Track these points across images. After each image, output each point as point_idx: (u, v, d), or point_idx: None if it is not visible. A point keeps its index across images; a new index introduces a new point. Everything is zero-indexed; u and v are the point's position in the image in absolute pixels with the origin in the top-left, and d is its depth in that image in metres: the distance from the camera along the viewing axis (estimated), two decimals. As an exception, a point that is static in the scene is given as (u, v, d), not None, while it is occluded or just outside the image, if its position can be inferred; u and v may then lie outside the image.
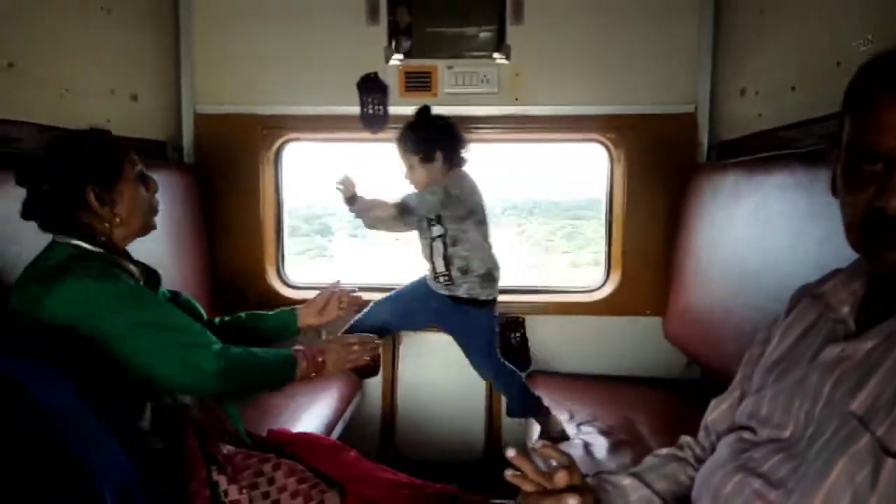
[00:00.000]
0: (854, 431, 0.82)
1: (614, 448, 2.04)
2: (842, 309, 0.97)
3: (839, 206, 0.91)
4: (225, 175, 2.59)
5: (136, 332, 1.35)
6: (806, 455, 0.89)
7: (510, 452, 0.96)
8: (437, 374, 2.69)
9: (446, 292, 2.23)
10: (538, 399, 2.25)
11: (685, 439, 1.24)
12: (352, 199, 2.19)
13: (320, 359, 1.60)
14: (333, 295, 1.92)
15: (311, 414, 2.24)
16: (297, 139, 2.73)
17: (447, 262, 2.19)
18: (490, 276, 2.21)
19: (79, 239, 1.43)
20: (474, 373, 2.43)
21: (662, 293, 2.56)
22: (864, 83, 0.87)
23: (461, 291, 2.20)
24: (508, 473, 0.94)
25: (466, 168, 2.24)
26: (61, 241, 1.43)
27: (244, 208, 2.65)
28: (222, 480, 1.45)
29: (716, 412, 1.20)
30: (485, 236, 2.21)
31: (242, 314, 1.89)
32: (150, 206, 1.57)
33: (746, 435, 1.03)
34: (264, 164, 2.64)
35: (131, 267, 1.48)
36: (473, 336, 2.27)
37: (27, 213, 1.44)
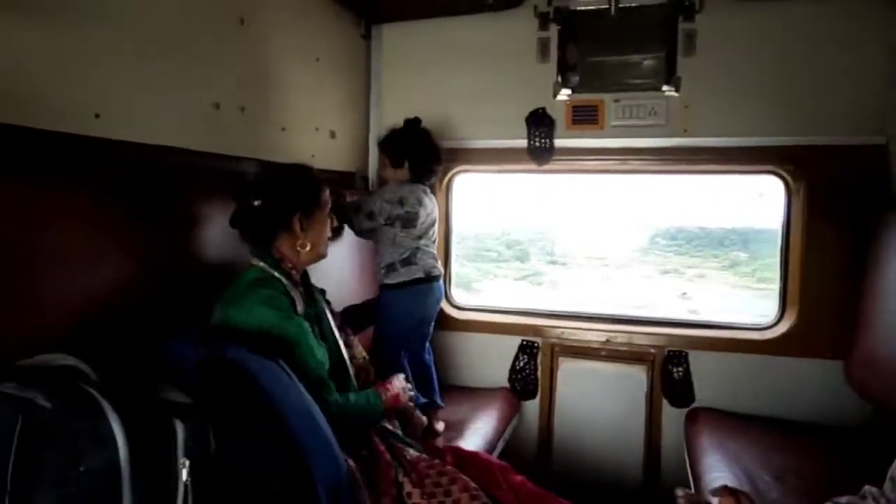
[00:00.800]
0: None
1: (786, 495, 1.94)
2: None
3: None
4: None
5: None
6: None
7: (679, 492, 0.99)
8: (595, 399, 2.71)
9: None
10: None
11: (868, 489, 1.20)
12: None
13: (392, 391, 1.82)
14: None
15: (474, 432, 2.37)
16: (468, 170, 2.91)
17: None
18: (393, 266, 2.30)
19: (267, 262, 1.67)
20: (633, 401, 2.53)
21: (844, 335, 2.38)
22: None
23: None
24: None
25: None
26: (255, 262, 1.68)
27: None
28: (407, 483, 1.59)
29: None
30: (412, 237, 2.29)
31: None
32: (328, 236, 1.80)
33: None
34: (437, 193, 2.84)
35: (296, 295, 1.66)
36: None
37: (235, 222, 1.71)
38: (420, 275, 2.27)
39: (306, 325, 1.61)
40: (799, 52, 2.44)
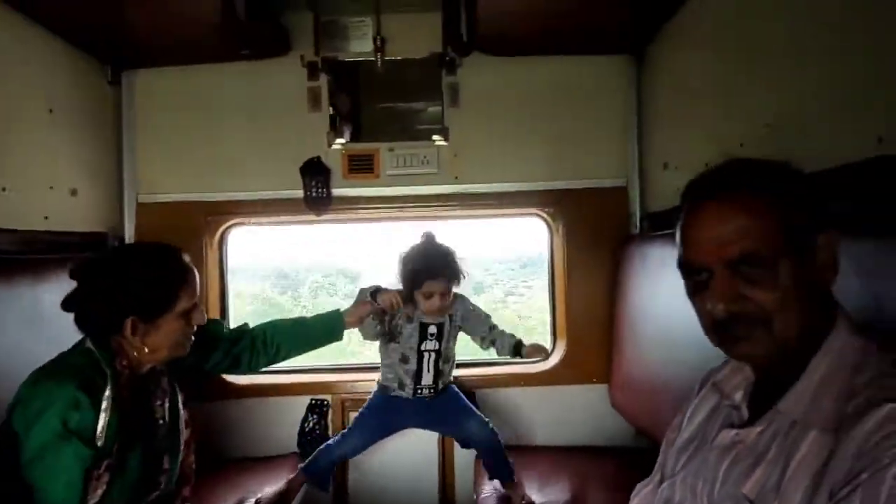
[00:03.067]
0: None
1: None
2: (735, 395, 1.03)
3: None
4: None
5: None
6: None
7: None
8: (389, 451, 2.60)
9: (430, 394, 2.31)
10: (512, 464, 2.29)
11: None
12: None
13: None
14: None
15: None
16: (242, 223, 2.75)
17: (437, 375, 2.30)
18: None
19: (100, 352, 1.43)
20: (426, 447, 2.59)
21: (608, 361, 2.60)
22: (683, 206, 0.99)
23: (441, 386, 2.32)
24: None
25: None
26: (87, 345, 1.44)
27: None
28: None
29: (638, 496, 1.24)
30: None
31: (290, 319, 2.08)
32: (185, 339, 1.57)
33: (664, 519, 1.06)
34: (208, 249, 2.64)
35: (105, 407, 1.40)
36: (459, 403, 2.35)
37: (67, 306, 1.45)
38: None
39: (71, 454, 1.34)
40: (548, 104, 2.66)
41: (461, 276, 2.21)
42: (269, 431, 2.66)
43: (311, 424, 2.63)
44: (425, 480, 2.68)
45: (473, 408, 2.36)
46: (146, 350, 1.48)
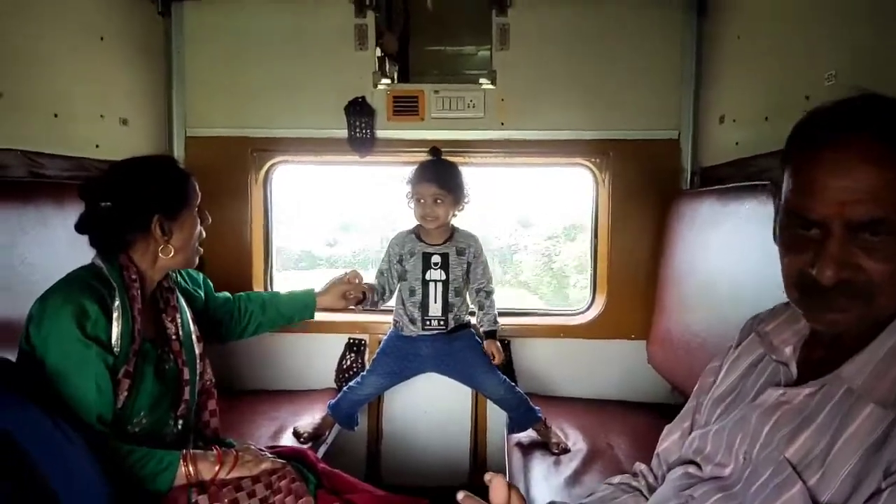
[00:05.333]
0: (788, 479, 0.83)
1: (593, 473, 2.03)
2: (784, 350, 0.97)
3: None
4: (215, 197, 2.57)
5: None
6: (743, 496, 0.90)
7: (460, 495, 0.95)
8: (422, 395, 2.70)
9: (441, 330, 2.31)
10: (538, 410, 2.29)
11: (639, 467, 1.25)
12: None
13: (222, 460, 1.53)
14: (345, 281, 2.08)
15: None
16: (287, 162, 2.76)
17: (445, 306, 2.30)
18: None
19: (106, 266, 1.46)
20: (459, 394, 2.54)
21: (647, 317, 2.56)
22: (797, 142, 0.86)
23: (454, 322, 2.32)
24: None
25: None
26: (96, 261, 1.47)
27: (233, 231, 2.67)
28: (202, 501, 1.44)
29: (667, 441, 1.20)
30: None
31: (265, 293, 2.16)
32: (197, 243, 1.61)
33: (692, 469, 1.03)
34: (253, 186, 2.67)
35: (118, 314, 1.43)
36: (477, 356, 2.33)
37: (82, 228, 1.49)
38: None
39: (94, 356, 1.38)
40: (601, 49, 2.56)
41: (461, 192, 2.25)
42: (309, 366, 2.74)
43: (348, 362, 2.69)
44: (458, 424, 2.73)
45: (490, 362, 2.31)
46: (171, 253, 1.52)
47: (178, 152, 2.63)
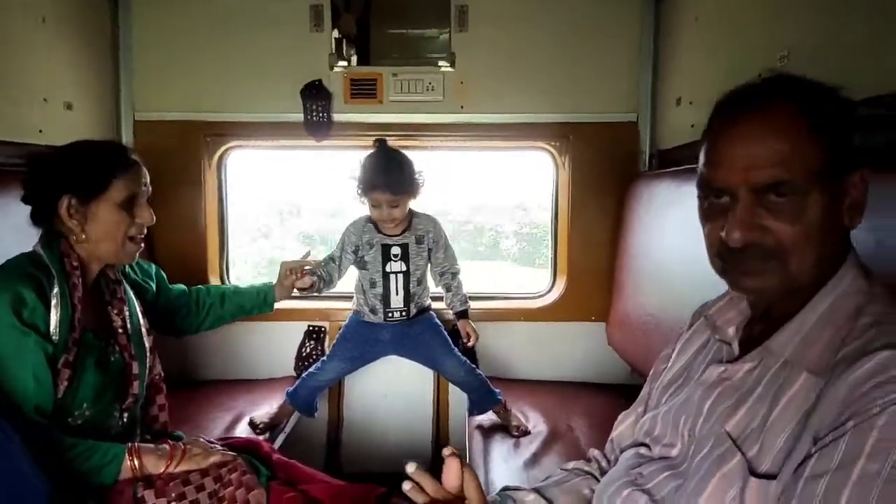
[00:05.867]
0: (727, 451, 0.84)
1: (552, 455, 2.05)
2: (727, 330, 0.99)
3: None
4: (166, 183, 2.50)
5: None
6: (688, 472, 0.91)
7: (410, 468, 0.94)
8: (383, 380, 2.68)
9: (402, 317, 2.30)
10: (498, 393, 2.29)
11: (593, 452, 1.27)
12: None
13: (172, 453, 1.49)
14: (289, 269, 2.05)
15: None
16: (241, 146, 2.69)
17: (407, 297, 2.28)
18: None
19: (46, 252, 1.42)
20: (420, 379, 2.55)
21: (607, 299, 2.58)
22: (711, 122, 0.90)
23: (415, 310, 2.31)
24: (406, 486, 0.92)
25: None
26: (34, 249, 1.44)
27: (186, 219, 2.61)
28: (149, 496, 1.40)
29: (621, 426, 1.22)
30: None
31: (224, 286, 2.10)
32: (128, 236, 1.52)
33: (643, 451, 1.05)
34: (207, 172, 2.60)
35: (56, 301, 1.39)
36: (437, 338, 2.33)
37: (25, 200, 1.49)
38: None
39: (32, 345, 1.33)
40: (561, 32, 2.55)
41: (413, 188, 2.18)
42: (268, 354, 2.70)
43: (308, 349, 2.65)
44: (420, 408, 2.72)
45: (450, 344, 2.32)
46: (84, 238, 1.46)
47: (126, 137, 2.54)
